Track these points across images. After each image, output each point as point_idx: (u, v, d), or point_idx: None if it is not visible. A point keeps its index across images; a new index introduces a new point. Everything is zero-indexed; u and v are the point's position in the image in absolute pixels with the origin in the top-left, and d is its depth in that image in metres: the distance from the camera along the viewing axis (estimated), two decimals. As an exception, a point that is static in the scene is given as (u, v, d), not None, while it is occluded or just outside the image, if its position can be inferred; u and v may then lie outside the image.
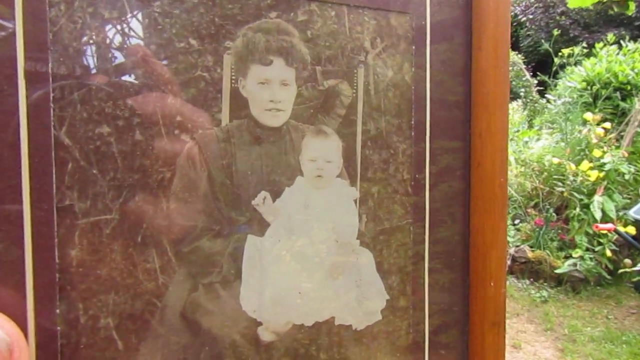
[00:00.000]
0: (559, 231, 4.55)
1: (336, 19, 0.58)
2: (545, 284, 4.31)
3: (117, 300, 0.50)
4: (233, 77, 0.54)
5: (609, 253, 4.14)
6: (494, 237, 0.62)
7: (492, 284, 0.62)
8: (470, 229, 0.64)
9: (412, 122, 0.62)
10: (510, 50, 0.63)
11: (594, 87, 5.61)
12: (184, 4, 0.51)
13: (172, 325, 0.53)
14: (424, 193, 0.63)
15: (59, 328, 0.47)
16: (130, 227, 0.50)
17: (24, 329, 0.45)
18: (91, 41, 0.48)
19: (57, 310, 0.47)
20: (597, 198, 4.30)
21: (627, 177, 4.45)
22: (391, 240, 0.62)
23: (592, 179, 4.34)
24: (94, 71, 0.48)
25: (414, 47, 0.61)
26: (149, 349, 0.51)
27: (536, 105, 6.62)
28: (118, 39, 0.49)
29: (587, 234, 4.29)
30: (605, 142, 4.68)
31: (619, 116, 5.44)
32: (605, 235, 4.18)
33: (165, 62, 0.51)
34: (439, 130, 0.63)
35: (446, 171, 0.65)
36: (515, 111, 6.79)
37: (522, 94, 7.26)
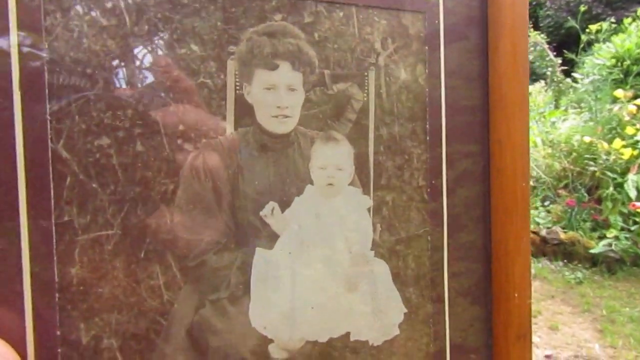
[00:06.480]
0: (592, 211, 4.39)
1: (344, 20, 0.55)
2: (579, 265, 4.15)
3: (121, 320, 0.48)
4: (237, 83, 0.51)
5: (645, 232, 3.99)
6: (517, 246, 0.58)
7: (516, 295, 0.58)
8: (492, 238, 0.61)
9: (427, 127, 0.59)
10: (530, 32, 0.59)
11: (624, 63, 5.40)
12: (184, 9, 0.49)
13: (179, 344, 0.50)
14: (442, 199, 0.60)
15: (59, 350, 0.45)
16: (133, 242, 0.48)
17: (22, 353, 0.43)
18: (89, 50, 0.46)
19: (58, 332, 0.45)
20: (632, 176, 4.11)
21: (662, 153, 4.28)
22: (408, 250, 0.59)
23: (626, 157, 4.16)
24: (91, 81, 0.46)
25: (427, 48, 0.58)
26: (154, 370, 0.49)
27: (561, 85, 6.38)
28: (116, 47, 0.47)
29: (621, 213, 4.12)
30: (638, 119, 4.49)
31: (651, 92, 5.23)
32: (640, 214, 4.02)
33: (166, 69, 0.48)
34: (455, 134, 0.60)
35: (464, 176, 0.61)
36: (539, 92, 6.57)
37: (548, 73, 6.99)
